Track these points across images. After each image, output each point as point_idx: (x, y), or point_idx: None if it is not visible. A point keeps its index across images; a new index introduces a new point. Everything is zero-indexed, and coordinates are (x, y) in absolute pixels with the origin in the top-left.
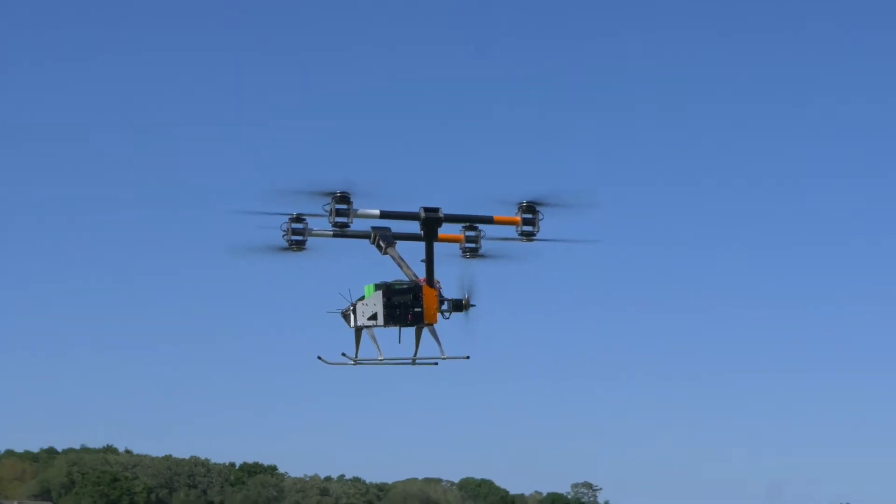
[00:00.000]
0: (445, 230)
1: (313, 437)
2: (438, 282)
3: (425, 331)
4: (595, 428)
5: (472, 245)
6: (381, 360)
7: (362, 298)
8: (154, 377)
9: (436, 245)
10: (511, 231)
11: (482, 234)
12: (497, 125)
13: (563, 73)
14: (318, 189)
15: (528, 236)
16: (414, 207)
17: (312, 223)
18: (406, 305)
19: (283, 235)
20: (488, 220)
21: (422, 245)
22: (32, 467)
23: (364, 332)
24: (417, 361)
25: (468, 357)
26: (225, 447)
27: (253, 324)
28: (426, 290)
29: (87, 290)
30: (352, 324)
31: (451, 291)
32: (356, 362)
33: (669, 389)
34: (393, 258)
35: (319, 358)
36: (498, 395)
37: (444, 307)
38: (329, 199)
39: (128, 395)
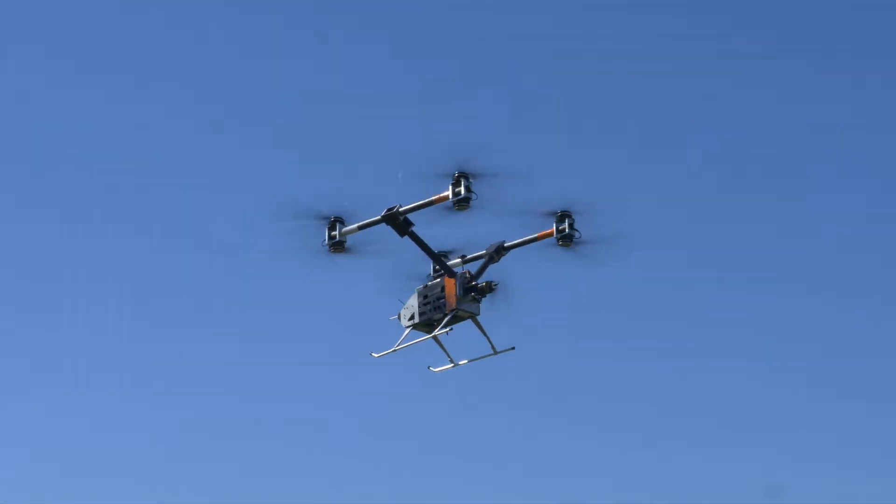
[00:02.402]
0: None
1: None
2: (468, 271)
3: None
4: None
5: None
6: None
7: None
8: None
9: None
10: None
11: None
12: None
13: None
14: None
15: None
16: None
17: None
18: (437, 299)
19: (323, 242)
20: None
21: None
22: None
23: (408, 331)
24: (499, 350)
25: (458, 365)
26: None
27: None
28: (446, 279)
29: None
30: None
31: None
32: (454, 363)
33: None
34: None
35: (430, 367)
36: None
37: (475, 294)
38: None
39: None
